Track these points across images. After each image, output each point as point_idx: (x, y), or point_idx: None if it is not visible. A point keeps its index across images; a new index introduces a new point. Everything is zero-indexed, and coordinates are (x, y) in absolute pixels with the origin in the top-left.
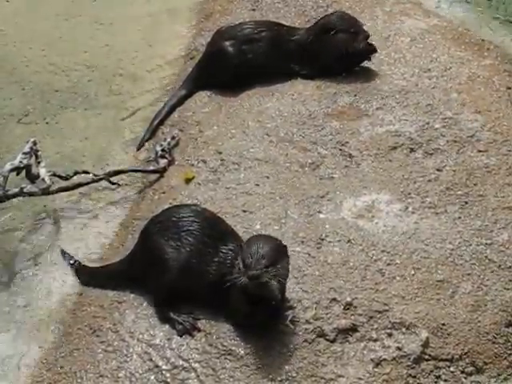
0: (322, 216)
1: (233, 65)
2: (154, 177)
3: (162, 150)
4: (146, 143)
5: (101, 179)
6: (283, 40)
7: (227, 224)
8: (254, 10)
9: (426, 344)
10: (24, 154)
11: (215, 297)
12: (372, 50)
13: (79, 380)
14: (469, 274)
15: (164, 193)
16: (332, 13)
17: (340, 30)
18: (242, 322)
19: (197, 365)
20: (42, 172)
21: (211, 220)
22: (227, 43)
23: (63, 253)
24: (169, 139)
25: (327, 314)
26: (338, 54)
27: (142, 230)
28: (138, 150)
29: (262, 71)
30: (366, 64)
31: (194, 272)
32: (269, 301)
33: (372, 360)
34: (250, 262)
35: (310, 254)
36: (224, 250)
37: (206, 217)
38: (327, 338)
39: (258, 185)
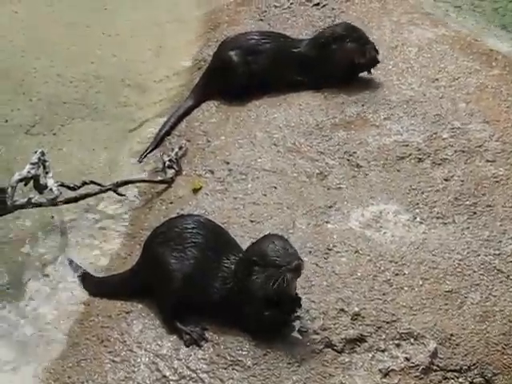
0: (329, 226)
1: (238, 75)
2: (161, 187)
3: (170, 161)
4: (154, 153)
5: (108, 190)
6: (288, 51)
7: (229, 235)
8: (261, 20)
9: (434, 355)
10: (32, 164)
11: (223, 308)
12: (376, 61)
13: None
14: (477, 285)
15: (172, 203)
16: (337, 24)
17: (349, 39)
18: (263, 328)
19: (204, 375)
20: (50, 182)
21: (215, 231)
22: (232, 53)
23: (71, 263)
24: (176, 149)
25: (335, 324)
26: (345, 63)
27: (145, 241)
28: (140, 161)
29: (266, 81)
30: (373, 73)
31: (198, 284)
32: (288, 301)
33: (380, 370)
34: (284, 256)
35: (317, 265)
36: (228, 264)
37: (210, 228)
38: (335, 348)
39: (265, 195)
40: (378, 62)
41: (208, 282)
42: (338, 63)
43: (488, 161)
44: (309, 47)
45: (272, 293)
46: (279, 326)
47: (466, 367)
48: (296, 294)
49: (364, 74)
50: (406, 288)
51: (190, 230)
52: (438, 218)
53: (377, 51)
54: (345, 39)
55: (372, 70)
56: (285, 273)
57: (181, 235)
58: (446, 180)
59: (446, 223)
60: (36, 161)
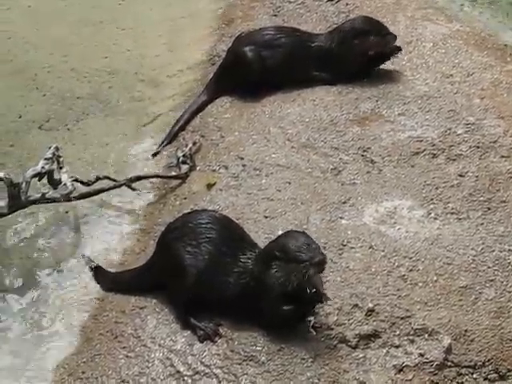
0: (343, 222)
1: (252, 70)
2: (175, 182)
3: (184, 156)
4: (168, 149)
5: (122, 185)
6: (303, 46)
7: (244, 230)
8: (275, 15)
9: (448, 350)
10: (46, 159)
11: (238, 304)
12: (398, 49)
13: None
14: (492, 280)
15: (185, 198)
16: (355, 18)
17: (371, 32)
18: (280, 323)
19: (218, 370)
20: (64, 178)
21: (229, 227)
22: (247, 48)
23: (85, 258)
24: (190, 145)
25: (349, 319)
26: (367, 56)
27: (159, 236)
28: (154, 156)
29: (281, 77)
30: (387, 68)
31: (213, 280)
32: (307, 297)
33: (394, 366)
34: (307, 251)
35: (331, 260)
36: (244, 259)
37: (225, 224)
38: (349, 344)
39: (279, 190)
40: (401, 49)
41: (222, 277)
42: (358, 57)
43: (502, 156)
44: (327, 41)
45: (292, 288)
46: (295, 322)
47: (480, 363)
48: (322, 288)
49: (379, 69)
50: (420, 284)
51: (204, 226)
52: (452, 213)
53: (395, 38)
54: (371, 31)
55: (388, 63)
56: (308, 268)
57: (195, 231)
58: (460, 176)
59: (460, 219)
60: (50, 156)
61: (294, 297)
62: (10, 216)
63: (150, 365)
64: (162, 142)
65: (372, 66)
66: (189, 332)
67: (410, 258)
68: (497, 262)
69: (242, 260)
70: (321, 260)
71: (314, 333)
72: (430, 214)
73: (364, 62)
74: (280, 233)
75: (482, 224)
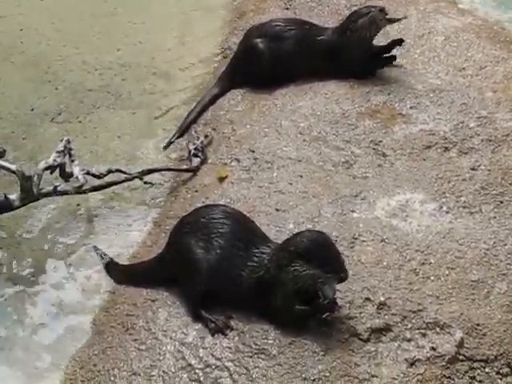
0: (355, 215)
1: (263, 62)
2: (187, 175)
3: (195, 149)
4: (179, 142)
5: (134, 178)
6: (312, 38)
7: (256, 225)
8: (287, 8)
9: (460, 344)
10: (58, 152)
11: (250, 298)
12: (400, 42)
13: (112, 378)
14: (504, 274)
15: (197, 191)
16: (360, 8)
17: (361, 17)
18: (291, 321)
19: (230, 363)
20: (76, 170)
21: (242, 221)
22: (258, 40)
23: (96, 250)
24: (202, 138)
25: (361, 313)
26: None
27: (171, 230)
28: (166, 148)
29: (291, 69)
30: (399, 62)
31: (225, 275)
32: (321, 303)
33: (406, 360)
34: (341, 262)
35: (343, 254)
36: (257, 254)
37: (237, 218)
38: (361, 337)
39: (291, 184)
40: (403, 41)
41: (235, 271)
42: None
43: None
44: (334, 34)
45: (306, 290)
46: (306, 321)
47: (492, 357)
48: (335, 298)
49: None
50: (432, 277)
51: (216, 220)
52: (464, 207)
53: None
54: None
55: (399, 57)
56: (330, 280)
57: (207, 225)
58: (472, 169)
59: (472, 212)
60: (62, 149)
61: (307, 298)
62: (22, 208)
63: (161, 357)
64: (174, 135)
65: (377, 63)
66: (200, 325)
67: (422, 252)
68: (509, 255)
69: (255, 254)
70: (345, 277)
71: (326, 326)
72: (442, 207)
73: (363, 56)
74: (291, 226)
75: (495, 218)
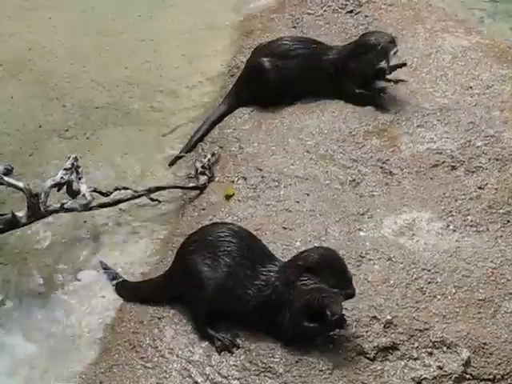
0: (362, 234)
1: (270, 81)
2: (194, 193)
3: (202, 167)
4: (187, 160)
5: (141, 195)
6: (319, 58)
7: (263, 244)
8: (294, 27)
9: (467, 363)
10: (65, 169)
11: (257, 317)
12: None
13: None
14: (511, 293)
15: (204, 209)
16: (371, 32)
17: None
18: (300, 338)
19: (236, 382)
20: (83, 188)
21: (248, 240)
22: (265, 59)
23: (104, 267)
24: (209, 156)
25: (367, 331)
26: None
27: (178, 248)
28: (171, 165)
29: (298, 87)
30: (406, 80)
31: (231, 293)
32: (329, 320)
33: (413, 379)
34: (349, 278)
35: (349, 269)
36: (264, 272)
37: (243, 237)
38: (367, 356)
39: (298, 202)
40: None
41: (242, 290)
42: (360, 73)
43: None
44: (339, 54)
45: (314, 306)
46: (315, 338)
47: (499, 376)
48: (343, 315)
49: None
50: (438, 296)
51: (223, 239)
52: (471, 226)
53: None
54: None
55: (407, 75)
56: (337, 295)
57: (214, 243)
58: (479, 188)
59: (479, 231)
60: (69, 166)
61: (315, 315)
62: (29, 225)
63: (167, 375)
64: (180, 152)
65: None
66: (207, 343)
67: (429, 271)
68: None
69: (262, 273)
70: (352, 293)
71: (333, 345)
72: (449, 226)
73: (360, 79)
74: (298, 244)
75: (502, 236)
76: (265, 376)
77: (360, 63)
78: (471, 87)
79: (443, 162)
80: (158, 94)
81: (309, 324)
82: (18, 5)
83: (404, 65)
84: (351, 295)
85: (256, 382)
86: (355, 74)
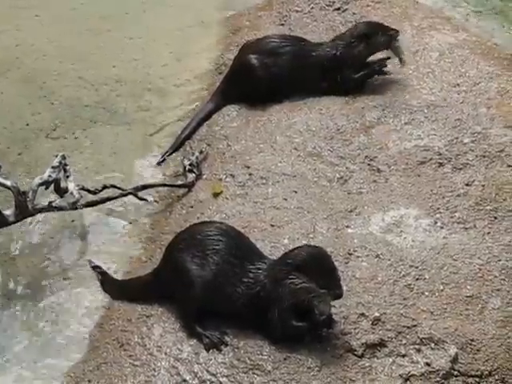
0: (350, 231)
1: (258, 78)
2: (182, 191)
3: (190, 165)
4: (174, 157)
5: (129, 194)
6: (307, 55)
7: (252, 242)
8: (282, 24)
9: (454, 360)
10: (53, 168)
11: (245, 315)
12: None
13: None
14: (498, 290)
15: (192, 207)
16: (356, 24)
17: (378, 33)
18: (288, 337)
19: (224, 379)
20: (71, 186)
21: (237, 238)
22: (252, 56)
23: (92, 266)
24: (197, 153)
25: (355, 329)
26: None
27: (166, 246)
28: (160, 164)
29: (286, 85)
30: (394, 77)
31: (220, 291)
32: (315, 319)
33: (400, 376)
34: (338, 279)
35: (338, 269)
36: (252, 270)
37: (232, 235)
38: (355, 353)
39: (285, 199)
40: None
41: (230, 288)
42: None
43: (509, 166)
44: (328, 50)
45: (302, 304)
46: (303, 337)
47: (486, 373)
48: (331, 314)
49: (385, 78)
50: (426, 293)
51: (211, 237)
52: (458, 222)
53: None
54: (377, 31)
55: (394, 72)
56: (325, 296)
57: (202, 242)
58: (466, 185)
59: (466, 228)
60: (57, 164)
61: (303, 314)
62: (16, 224)
63: (156, 373)
64: (166, 151)
65: (367, 77)
66: (195, 340)
67: (417, 267)
68: (503, 271)
69: (251, 271)
70: (340, 294)
71: (321, 342)
72: (437, 223)
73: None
74: (286, 242)
75: (489, 233)
76: (253, 373)
77: (364, 48)
78: (458, 84)
79: (430, 159)
80: (145, 92)
81: (297, 323)
82: (6, 3)
83: (388, 58)
84: (339, 295)
85: (244, 380)
86: (356, 59)
